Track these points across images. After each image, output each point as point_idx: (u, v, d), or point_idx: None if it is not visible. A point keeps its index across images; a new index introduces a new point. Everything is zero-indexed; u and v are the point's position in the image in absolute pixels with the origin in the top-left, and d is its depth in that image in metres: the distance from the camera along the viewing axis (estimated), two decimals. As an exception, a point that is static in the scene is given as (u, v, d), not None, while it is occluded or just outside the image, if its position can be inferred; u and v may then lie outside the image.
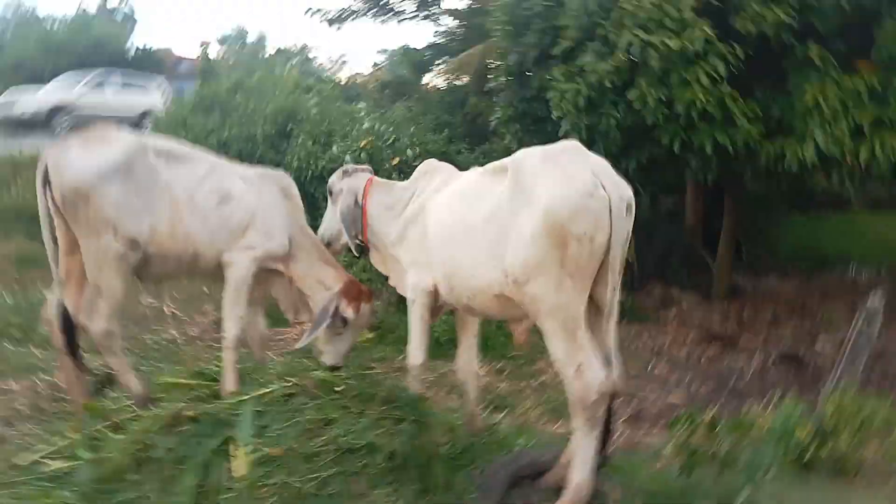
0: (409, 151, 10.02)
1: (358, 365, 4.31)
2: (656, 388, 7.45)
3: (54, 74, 22.14)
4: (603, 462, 3.34)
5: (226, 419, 3.17)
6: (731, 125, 7.00)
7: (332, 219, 4.39)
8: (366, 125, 10.24)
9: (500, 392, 6.58)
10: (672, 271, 10.56)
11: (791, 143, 6.85)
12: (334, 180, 4.42)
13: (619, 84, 7.43)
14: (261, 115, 11.28)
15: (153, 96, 20.02)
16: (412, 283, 3.88)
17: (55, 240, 3.70)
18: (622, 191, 3.05)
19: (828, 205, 13.55)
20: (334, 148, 9.92)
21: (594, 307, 3.16)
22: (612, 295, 3.08)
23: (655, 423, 6.56)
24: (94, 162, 3.53)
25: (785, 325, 9.24)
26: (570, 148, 3.20)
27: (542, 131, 8.76)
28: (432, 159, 4.33)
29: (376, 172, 9.94)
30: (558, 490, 3.26)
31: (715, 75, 6.77)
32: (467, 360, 4.15)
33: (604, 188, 2.97)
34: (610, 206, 2.96)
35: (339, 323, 4.26)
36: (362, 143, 9.79)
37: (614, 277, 3.05)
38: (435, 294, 3.79)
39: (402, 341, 7.34)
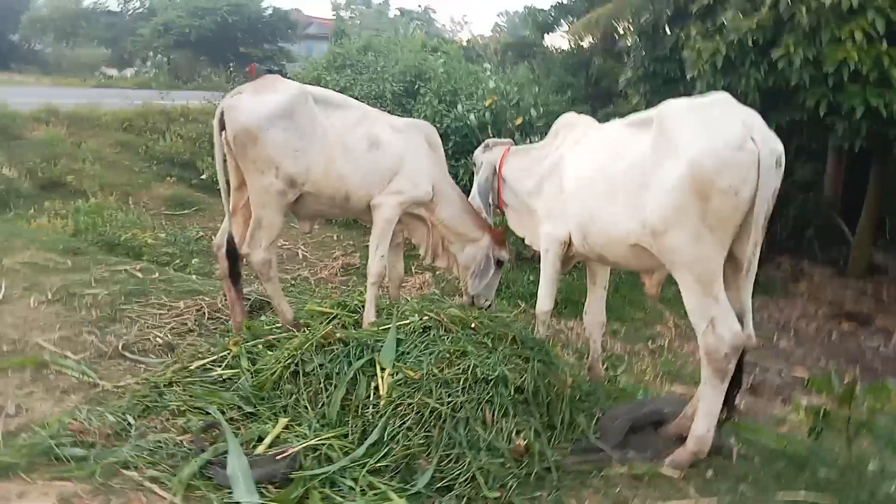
0: (532, 112, 10.03)
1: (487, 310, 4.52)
2: (780, 361, 7.20)
3: (198, 36, 23.66)
4: (727, 417, 3.35)
5: (370, 343, 3.44)
6: (886, 86, 6.50)
7: (475, 190, 4.66)
8: (490, 85, 10.30)
9: (617, 352, 6.62)
10: (805, 244, 10.02)
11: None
12: (477, 154, 4.74)
13: (762, 42, 7.06)
14: (389, 73, 11.58)
15: None
16: (546, 232, 3.99)
17: (227, 177, 4.11)
18: (773, 144, 2.94)
19: None
20: (459, 107, 10.07)
21: (733, 262, 3.11)
22: (753, 250, 3.00)
23: (777, 395, 6.39)
24: (262, 107, 3.89)
25: (929, 307, 8.58)
26: (720, 99, 3.11)
27: (672, 92, 8.47)
28: (571, 113, 4.38)
29: (499, 132, 10.11)
30: (679, 439, 3.32)
31: (872, 32, 6.29)
32: (596, 311, 4.26)
33: (753, 141, 2.88)
34: (759, 160, 2.87)
35: (493, 266, 4.56)
36: (487, 103, 9.88)
37: (757, 233, 2.95)
38: (568, 244, 3.87)
39: (518, 296, 7.60)
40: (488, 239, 4.61)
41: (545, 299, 4.11)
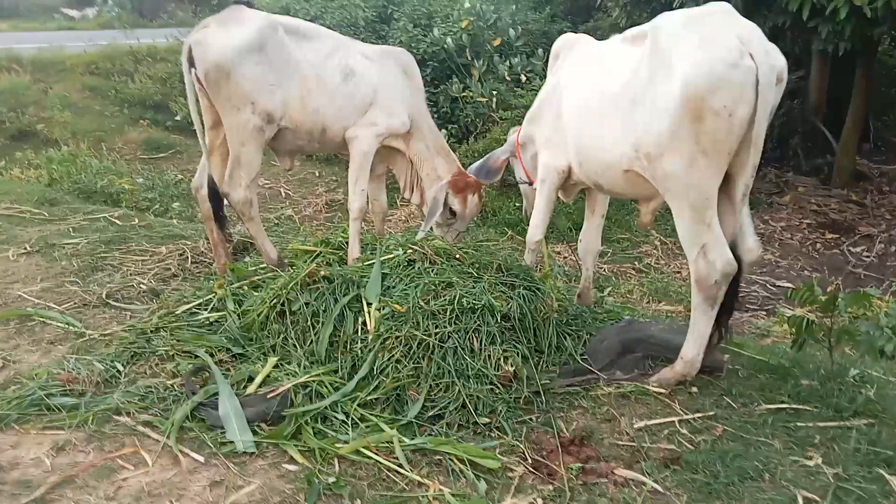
0: (511, 31, 9.75)
1: (472, 238, 4.49)
2: (765, 273, 7.28)
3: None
4: (719, 341, 3.30)
5: (355, 279, 3.43)
6: (870, -15, 6.30)
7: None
8: (466, 5, 9.96)
9: (604, 273, 6.66)
10: (790, 154, 9.97)
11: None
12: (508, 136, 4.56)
13: (743, -56, 6.80)
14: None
15: None
16: (544, 162, 3.83)
17: (201, 116, 3.99)
18: (773, 59, 2.76)
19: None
20: (435, 31, 9.77)
21: (731, 185, 2.97)
22: (751, 173, 2.87)
23: (762, 308, 6.48)
24: (232, 41, 3.75)
25: (912, 212, 8.64)
26: (716, 10, 2.91)
27: (653, 2, 8.24)
28: (568, 34, 4.15)
29: (478, 55, 9.81)
30: (668, 361, 3.36)
31: (857, -72, 6.06)
32: (592, 239, 4.17)
33: (751, 57, 2.71)
34: (757, 78, 2.70)
35: (448, 214, 4.46)
36: (463, 24, 9.59)
37: (756, 155, 2.82)
38: (568, 174, 3.73)
39: (505, 223, 7.58)
40: (446, 182, 4.47)
41: (536, 229, 4.00)
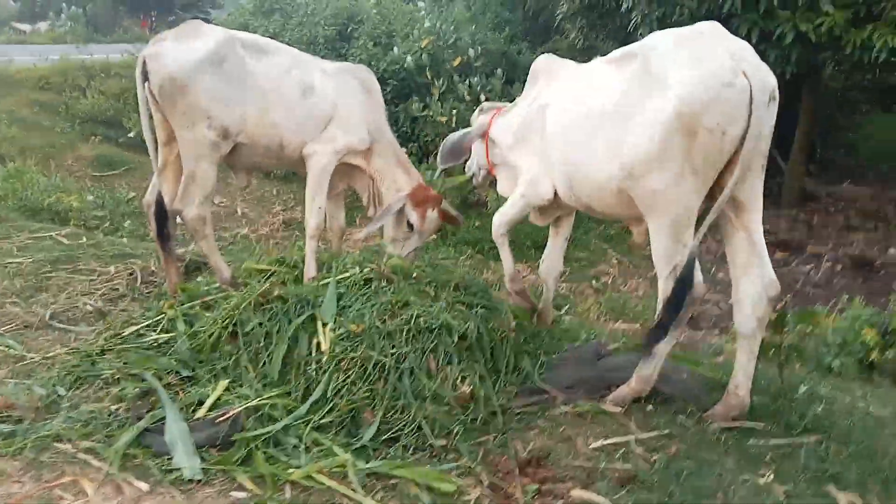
0: (470, 51, 9.85)
1: (429, 258, 4.46)
2: (717, 293, 7.43)
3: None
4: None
5: (310, 299, 3.37)
6: (816, 11, 6.56)
7: (471, 158, 4.44)
8: (426, 25, 10.05)
9: (562, 292, 6.71)
10: (740, 176, 10.24)
11: (881, 30, 6.40)
12: (472, 118, 4.47)
13: (694, -29, 7.03)
14: (320, 16, 11.16)
15: None
16: (529, 180, 3.74)
17: (154, 131, 3.91)
18: (765, 78, 2.77)
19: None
20: (395, 49, 9.82)
21: (738, 206, 2.95)
22: (731, 186, 2.81)
23: (715, 326, 6.61)
24: (188, 54, 3.68)
25: (857, 231, 8.95)
26: (707, 30, 2.91)
27: (609, 25, 8.43)
28: (548, 55, 4.08)
29: (438, 74, 9.87)
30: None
31: (800, -44, 6.33)
32: (555, 259, 4.14)
33: (745, 75, 2.71)
34: (751, 97, 2.70)
35: (405, 227, 4.42)
36: (423, 44, 9.65)
37: (743, 169, 2.79)
38: (553, 197, 3.65)
39: (465, 242, 7.58)
40: (405, 194, 4.41)
41: (501, 227, 3.94)
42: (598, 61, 3.50)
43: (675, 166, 2.84)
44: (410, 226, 4.46)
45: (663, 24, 7.38)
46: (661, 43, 2.98)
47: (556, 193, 3.65)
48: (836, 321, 5.19)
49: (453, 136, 4.45)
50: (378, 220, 4.32)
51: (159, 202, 3.97)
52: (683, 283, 3.01)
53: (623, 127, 3.02)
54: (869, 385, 4.34)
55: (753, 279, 3.01)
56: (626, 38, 8.22)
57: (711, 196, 2.95)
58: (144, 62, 3.73)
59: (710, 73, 2.73)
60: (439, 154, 4.48)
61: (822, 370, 3.73)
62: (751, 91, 2.71)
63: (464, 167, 4.53)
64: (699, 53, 2.81)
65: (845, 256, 8.15)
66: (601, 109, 3.16)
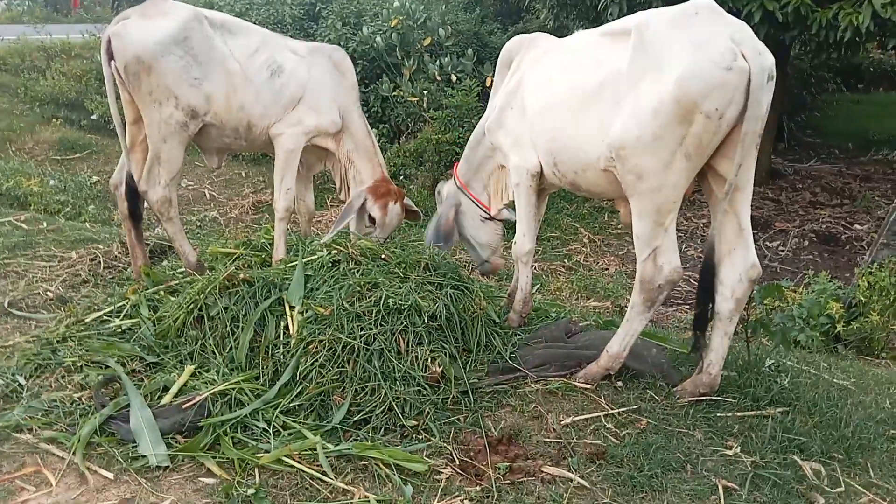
0: (440, 31, 9.73)
1: (399, 240, 4.42)
2: (688, 269, 7.51)
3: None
4: (696, 340, 3.18)
5: (277, 282, 3.32)
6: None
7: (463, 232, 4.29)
8: (395, 4, 9.88)
9: (534, 271, 6.72)
10: (709, 154, 10.33)
11: (846, 9, 6.46)
12: (437, 197, 4.36)
13: (664, -49, 6.99)
14: (288, -5, 10.93)
15: None
16: (515, 165, 3.60)
17: (121, 111, 3.81)
18: (764, 59, 2.69)
19: (878, 82, 12.91)
20: (364, 29, 9.65)
21: (717, 184, 2.94)
22: (735, 171, 2.77)
23: (686, 302, 6.68)
24: (154, 33, 3.59)
25: (823, 208, 9.09)
26: (704, 8, 2.82)
27: (579, 5, 8.38)
28: (523, 34, 3.94)
29: (408, 54, 9.72)
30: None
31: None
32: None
33: (744, 58, 2.65)
34: (749, 79, 2.64)
35: (367, 221, 4.36)
36: (393, 23, 9.50)
37: (742, 152, 2.74)
38: (540, 175, 3.54)
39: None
40: (365, 188, 4.33)
41: (523, 238, 3.69)
42: (586, 33, 3.39)
43: (667, 152, 2.79)
44: (372, 219, 4.38)
45: (631, 4, 7.35)
46: (656, 21, 2.86)
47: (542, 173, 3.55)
48: (803, 295, 5.29)
49: (429, 230, 4.27)
50: (341, 221, 4.25)
51: (129, 182, 3.87)
52: (709, 268, 3.01)
53: (613, 107, 2.94)
54: (834, 357, 4.43)
55: (736, 261, 3.00)
56: (596, 17, 8.19)
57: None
58: (109, 41, 3.63)
59: (710, 58, 2.66)
60: (434, 240, 4.17)
61: (787, 343, 3.78)
62: (750, 73, 2.65)
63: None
64: (699, 36, 2.73)
65: (811, 232, 8.28)
66: (592, 86, 3.07)
